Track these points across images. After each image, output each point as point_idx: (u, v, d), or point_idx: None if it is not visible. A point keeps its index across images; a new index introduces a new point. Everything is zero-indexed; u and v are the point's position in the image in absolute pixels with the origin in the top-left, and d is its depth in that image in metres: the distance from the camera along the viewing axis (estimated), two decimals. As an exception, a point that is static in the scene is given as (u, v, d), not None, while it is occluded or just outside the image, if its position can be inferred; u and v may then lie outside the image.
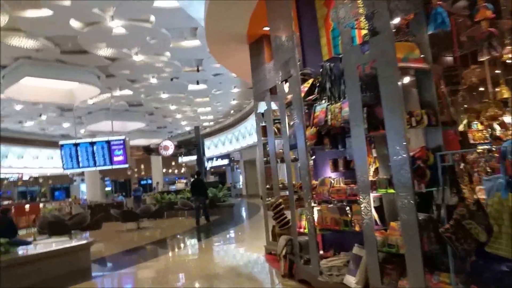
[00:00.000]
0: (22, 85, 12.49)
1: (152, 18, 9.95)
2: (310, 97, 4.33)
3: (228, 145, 28.79)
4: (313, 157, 5.04)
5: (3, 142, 21.54)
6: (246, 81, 13.00)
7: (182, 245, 9.99)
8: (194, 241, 10.39)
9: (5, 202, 24.69)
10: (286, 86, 4.78)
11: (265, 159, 6.57)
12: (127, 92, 17.06)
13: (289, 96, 4.70)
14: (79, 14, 9.48)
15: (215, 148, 30.83)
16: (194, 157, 24.10)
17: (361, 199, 3.55)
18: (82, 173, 29.29)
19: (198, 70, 14.49)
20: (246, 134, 25.70)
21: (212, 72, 15.08)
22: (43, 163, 27.25)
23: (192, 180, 13.76)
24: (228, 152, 29.48)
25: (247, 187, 28.65)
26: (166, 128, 26.67)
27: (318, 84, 4.27)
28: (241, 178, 31.72)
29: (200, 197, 12.37)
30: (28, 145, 25.32)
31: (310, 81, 4.47)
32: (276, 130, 5.82)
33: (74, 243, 7.12)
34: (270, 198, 6.43)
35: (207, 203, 12.55)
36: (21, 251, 6.43)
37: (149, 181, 36.30)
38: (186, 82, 16.09)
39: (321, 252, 4.92)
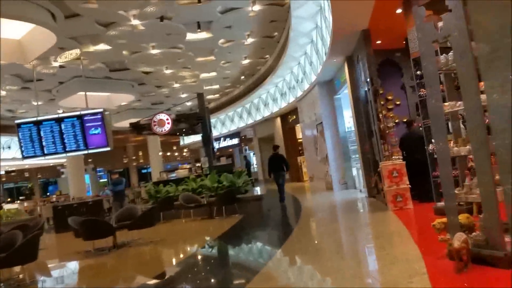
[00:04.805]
0: None
1: None
2: None
3: (238, 121, 24.14)
4: None
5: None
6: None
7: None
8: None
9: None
10: None
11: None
12: (104, 46, 12.36)
13: None
14: None
15: (223, 126, 26.21)
16: (198, 138, 19.59)
17: None
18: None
19: (200, 1, 9.77)
20: (260, 105, 21.02)
21: (220, 5, 10.35)
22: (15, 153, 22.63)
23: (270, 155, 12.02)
24: (238, 129, 24.83)
25: (263, 170, 24.10)
26: (163, 105, 22.07)
27: None
28: (254, 159, 27.21)
29: (281, 172, 11.45)
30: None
31: None
32: None
33: None
34: None
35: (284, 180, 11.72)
36: None
37: (150, 169, 31.71)
38: (183, 25, 11.35)
39: None
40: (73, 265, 7.45)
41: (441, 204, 6.46)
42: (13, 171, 34.26)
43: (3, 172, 32.87)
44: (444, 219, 4.21)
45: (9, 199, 35.94)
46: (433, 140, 6.57)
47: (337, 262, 4.88)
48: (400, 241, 5.30)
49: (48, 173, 39.54)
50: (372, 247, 5.36)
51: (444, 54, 3.89)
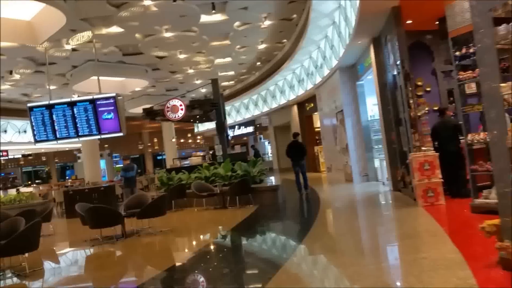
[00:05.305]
0: None
1: None
2: None
3: (253, 109, 23.58)
4: None
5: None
6: None
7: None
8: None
9: None
10: None
11: None
12: (116, 29, 11.92)
13: None
14: None
15: (237, 114, 25.70)
16: (212, 125, 19.11)
17: None
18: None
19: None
20: (276, 93, 20.39)
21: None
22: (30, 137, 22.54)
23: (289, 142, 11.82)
24: (253, 117, 24.26)
25: (278, 160, 23.56)
26: (177, 91, 21.63)
27: None
28: (269, 148, 26.67)
29: (300, 161, 11.31)
30: (10, 116, 20.55)
31: None
32: None
33: None
34: None
35: (305, 167, 11.60)
36: None
37: (165, 156, 31.42)
38: (196, 6, 10.78)
39: None
40: (78, 254, 7.11)
41: (479, 201, 5.86)
42: (29, 155, 34.52)
43: (20, 156, 33.21)
44: (495, 221, 3.62)
45: (29, 182, 36.44)
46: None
47: (365, 266, 4.34)
48: (437, 243, 4.72)
49: (65, 157, 39.86)
50: (405, 249, 4.79)
51: (504, 25, 3.26)
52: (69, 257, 7.12)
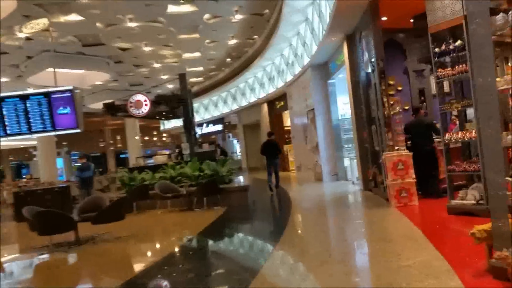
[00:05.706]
0: None
1: None
2: None
3: (222, 107, 23.07)
4: None
5: None
6: None
7: None
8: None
9: None
10: None
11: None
12: (75, 17, 11.12)
13: None
14: None
15: (206, 112, 25.10)
16: (179, 123, 18.42)
17: None
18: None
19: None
20: (246, 90, 19.97)
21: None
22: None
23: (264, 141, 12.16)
24: (222, 115, 23.75)
25: (247, 159, 23.14)
26: (142, 86, 20.77)
27: None
28: (238, 147, 26.26)
29: (274, 159, 11.62)
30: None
31: None
32: None
33: None
34: None
35: (278, 166, 11.98)
36: None
37: (128, 155, 30.18)
38: (164, -5, 10.22)
39: None
40: (23, 264, 6.26)
41: (455, 202, 5.69)
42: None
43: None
44: (485, 226, 3.36)
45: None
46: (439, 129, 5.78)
47: (343, 276, 3.98)
48: (418, 248, 4.45)
49: (20, 155, 37.67)
50: (386, 255, 4.47)
51: (501, 14, 2.98)
52: (12, 268, 6.27)
